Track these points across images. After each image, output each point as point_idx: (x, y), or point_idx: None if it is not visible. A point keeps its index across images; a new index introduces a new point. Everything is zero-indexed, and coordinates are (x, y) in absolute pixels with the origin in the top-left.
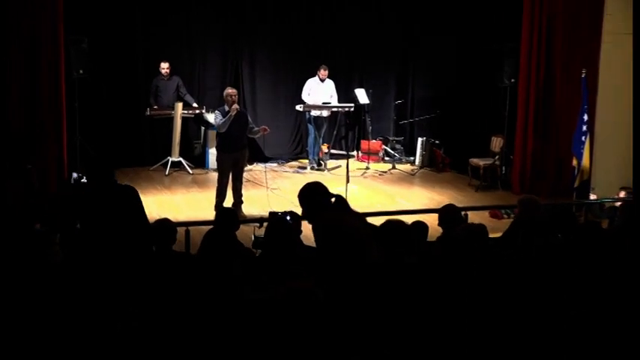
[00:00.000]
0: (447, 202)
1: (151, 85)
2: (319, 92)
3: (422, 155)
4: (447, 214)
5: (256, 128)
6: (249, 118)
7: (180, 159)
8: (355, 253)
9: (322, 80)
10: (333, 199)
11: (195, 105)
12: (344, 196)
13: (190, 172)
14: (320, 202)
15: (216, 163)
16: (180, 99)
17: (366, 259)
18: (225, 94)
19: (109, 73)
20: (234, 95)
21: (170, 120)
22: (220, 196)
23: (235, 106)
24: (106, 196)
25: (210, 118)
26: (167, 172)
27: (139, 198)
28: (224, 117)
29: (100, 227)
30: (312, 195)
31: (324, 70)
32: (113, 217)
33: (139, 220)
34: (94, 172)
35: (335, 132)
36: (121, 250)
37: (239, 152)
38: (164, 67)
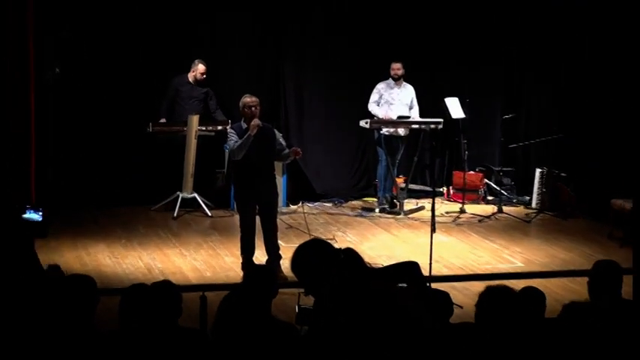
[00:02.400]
0: (577, 260)
1: (167, 88)
2: (394, 101)
3: (541, 193)
4: (603, 274)
5: (287, 150)
6: (279, 136)
7: (195, 195)
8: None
9: (397, 83)
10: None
11: (221, 119)
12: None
13: (209, 213)
14: (325, 268)
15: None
16: (206, 114)
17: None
18: (241, 104)
19: (99, 71)
20: (255, 105)
21: (181, 140)
22: (247, 248)
23: (256, 121)
24: None
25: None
26: (176, 214)
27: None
28: (240, 137)
29: None
30: (312, 260)
31: (400, 67)
32: None
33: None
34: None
35: (416, 159)
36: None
37: (264, 186)
38: (201, 69)
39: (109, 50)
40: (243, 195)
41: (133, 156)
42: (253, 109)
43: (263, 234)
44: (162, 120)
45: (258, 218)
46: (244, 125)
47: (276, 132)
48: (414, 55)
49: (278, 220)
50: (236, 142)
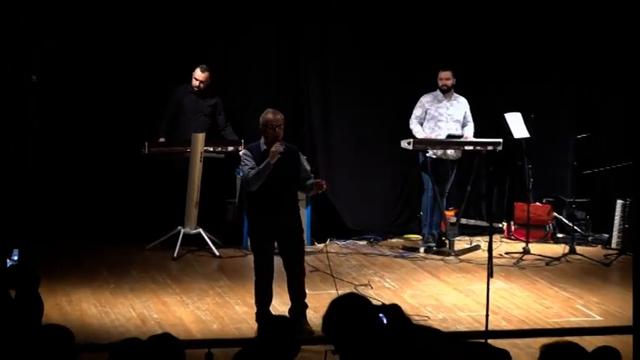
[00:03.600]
0: None
1: (168, 101)
2: (442, 117)
3: (623, 230)
4: None
5: (311, 180)
6: (304, 160)
7: (200, 231)
8: None
9: (447, 95)
10: (383, 318)
11: (232, 138)
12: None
13: (217, 253)
14: (362, 327)
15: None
16: (214, 131)
17: None
18: (261, 121)
19: (86, 81)
20: (279, 125)
21: (183, 164)
22: (262, 296)
23: (278, 147)
24: None
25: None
26: (176, 254)
27: None
28: (257, 162)
29: None
30: (348, 316)
31: (449, 77)
32: None
33: None
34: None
35: (469, 187)
36: None
37: (286, 219)
38: (200, 75)
39: (98, 57)
40: (259, 230)
41: (126, 183)
42: (277, 129)
43: (287, 278)
44: (162, 139)
45: (276, 259)
46: (264, 146)
47: (302, 156)
48: (463, 63)
49: None
50: (251, 168)
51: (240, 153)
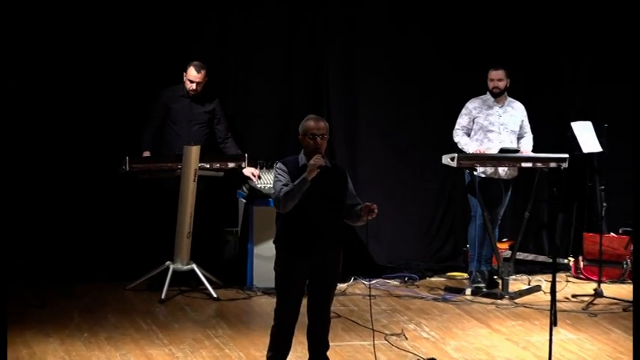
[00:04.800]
0: None
1: (154, 106)
2: (493, 127)
3: None
4: None
5: (360, 206)
6: (350, 184)
7: (193, 267)
8: None
9: (499, 100)
10: None
11: (233, 151)
12: None
13: (214, 294)
14: None
15: (273, 276)
16: (211, 144)
17: None
18: (301, 129)
19: (54, 80)
20: (322, 134)
21: (173, 184)
22: (279, 347)
23: (319, 159)
24: None
25: (267, 178)
26: (164, 295)
27: None
28: (293, 179)
29: None
30: None
31: (502, 77)
32: None
33: None
34: None
35: (527, 214)
36: None
37: (325, 253)
38: (195, 76)
39: (72, 57)
40: (289, 265)
41: (102, 208)
42: (318, 139)
43: (309, 325)
44: (146, 153)
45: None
46: (302, 160)
47: (349, 178)
48: (521, 60)
49: None
50: (285, 184)
51: (275, 167)
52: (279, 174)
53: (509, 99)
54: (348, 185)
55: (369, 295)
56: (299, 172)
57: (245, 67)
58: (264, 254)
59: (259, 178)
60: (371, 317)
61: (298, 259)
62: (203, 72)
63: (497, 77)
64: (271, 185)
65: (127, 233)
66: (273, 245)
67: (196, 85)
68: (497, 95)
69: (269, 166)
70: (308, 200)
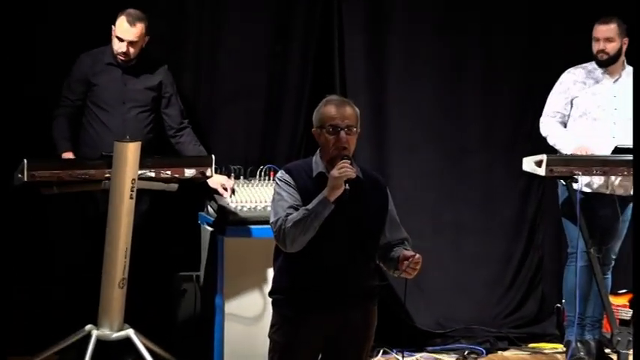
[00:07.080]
0: None
1: (69, 79)
2: (602, 113)
3: None
4: None
5: (398, 251)
6: (392, 204)
7: (129, 333)
8: None
9: (610, 70)
10: None
11: (192, 149)
12: None
13: None
14: None
15: (261, 350)
16: (158, 135)
17: None
18: (316, 118)
19: None
20: (349, 125)
21: (97, 204)
22: None
23: (346, 167)
24: None
25: (247, 194)
26: None
27: None
28: (304, 197)
29: None
30: None
31: (613, 35)
32: None
33: None
34: None
35: None
36: None
37: (346, 317)
38: (127, 32)
39: None
40: (295, 330)
41: None
42: (343, 133)
43: None
44: (68, 154)
45: None
46: (319, 166)
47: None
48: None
49: None
50: (292, 206)
51: (277, 177)
52: (283, 189)
53: (629, 68)
54: (389, 207)
55: None
56: (314, 187)
57: (217, 23)
58: (243, 313)
59: (233, 192)
60: None
61: (309, 322)
62: (141, 25)
63: (605, 35)
64: (251, 206)
65: (29, 279)
66: (262, 299)
67: (129, 47)
68: (607, 64)
69: (250, 175)
70: (328, 231)
